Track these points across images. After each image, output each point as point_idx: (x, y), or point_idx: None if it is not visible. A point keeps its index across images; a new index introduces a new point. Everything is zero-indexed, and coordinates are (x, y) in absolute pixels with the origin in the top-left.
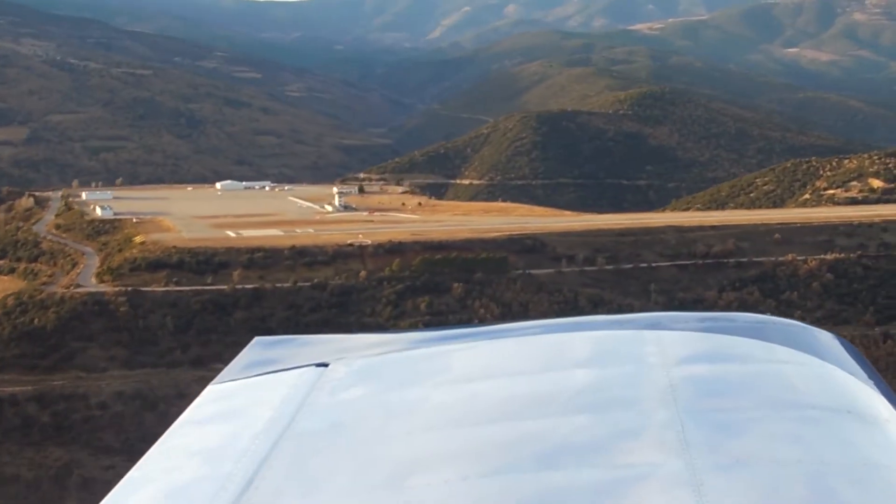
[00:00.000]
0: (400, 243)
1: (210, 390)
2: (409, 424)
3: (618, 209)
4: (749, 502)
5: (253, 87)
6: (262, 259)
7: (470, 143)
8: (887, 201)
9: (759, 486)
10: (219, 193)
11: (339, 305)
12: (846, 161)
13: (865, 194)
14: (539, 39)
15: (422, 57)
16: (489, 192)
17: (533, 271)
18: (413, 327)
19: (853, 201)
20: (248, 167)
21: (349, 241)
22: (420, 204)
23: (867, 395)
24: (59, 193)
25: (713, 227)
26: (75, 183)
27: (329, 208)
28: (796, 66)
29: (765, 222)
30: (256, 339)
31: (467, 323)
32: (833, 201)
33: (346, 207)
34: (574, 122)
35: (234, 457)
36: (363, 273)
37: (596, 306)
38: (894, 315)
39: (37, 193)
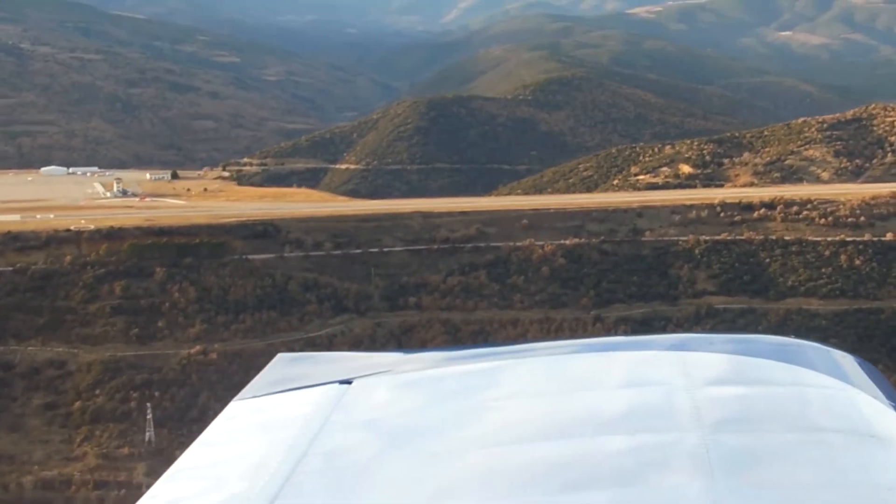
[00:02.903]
0: (120, 229)
1: (234, 406)
2: (432, 444)
3: (473, 193)
4: None
5: (224, 71)
6: None
7: (357, 128)
8: (685, 186)
9: None
10: (29, 179)
11: (36, 289)
12: (667, 147)
13: (669, 179)
14: (528, 23)
15: (423, 40)
16: (362, 177)
17: (255, 256)
18: (437, 347)
19: (652, 186)
20: (175, 151)
21: (69, 227)
22: (205, 189)
23: (889, 418)
24: None
25: (462, 213)
26: None
27: (108, 194)
28: (786, 50)
29: (518, 208)
30: (280, 355)
31: (492, 342)
32: (634, 186)
33: (124, 193)
34: (466, 108)
35: (260, 473)
36: (68, 258)
37: (307, 290)
38: (614, 299)
39: None
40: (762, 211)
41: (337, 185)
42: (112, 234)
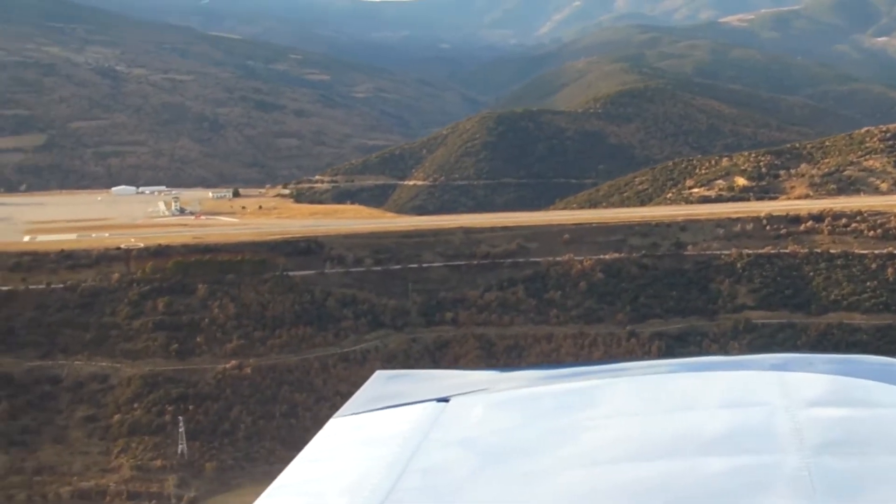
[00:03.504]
0: (167, 246)
1: (333, 423)
2: (529, 464)
3: (537, 208)
4: None
5: (313, 89)
6: (28, 262)
7: (427, 144)
8: (738, 199)
9: None
10: (98, 199)
11: (85, 306)
12: (724, 159)
13: (722, 192)
14: (616, 35)
15: (515, 54)
16: (429, 193)
17: (296, 272)
18: (534, 364)
19: (705, 199)
20: (258, 169)
21: (119, 245)
22: (260, 207)
23: None
24: None
25: (504, 228)
26: None
27: (167, 212)
28: (882, 56)
29: (560, 223)
30: (378, 372)
31: (588, 361)
32: (686, 200)
33: (182, 211)
34: (534, 122)
35: (360, 490)
36: (116, 275)
37: (344, 306)
38: (650, 314)
39: None
40: (809, 224)
41: (404, 202)
42: (159, 252)
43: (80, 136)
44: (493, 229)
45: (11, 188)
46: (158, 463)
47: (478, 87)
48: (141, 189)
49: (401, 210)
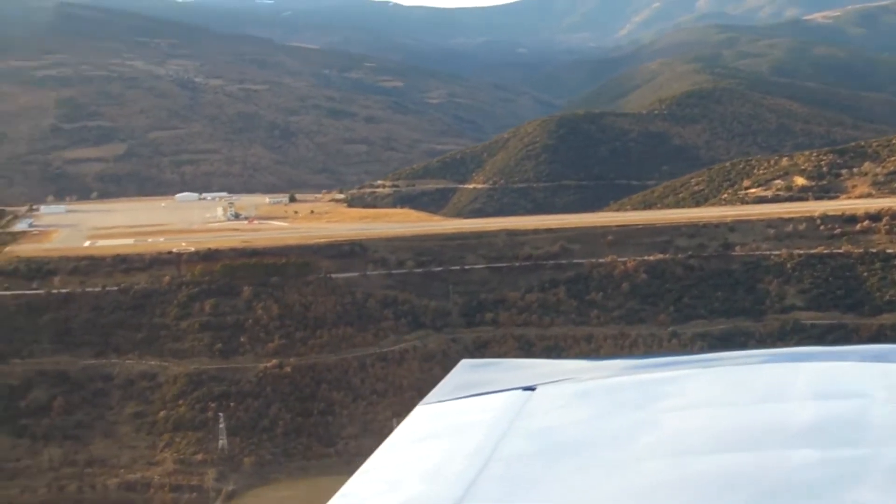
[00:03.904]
0: (216, 250)
1: (420, 411)
2: (614, 452)
3: (597, 209)
4: None
5: (386, 96)
6: (85, 266)
7: (488, 148)
8: (796, 199)
9: None
10: (162, 205)
11: (136, 307)
12: (784, 159)
13: (780, 192)
14: (693, 36)
15: (592, 56)
16: (489, 196)
17: (339, 274)
18: (621, 354)
19: (761, 200)
20: (327, 175)
21: (171, 250)
22: (312, 212)
23: None
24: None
25: (548, 230)
26: (49, 197)
27: (223, 217)
28: None
29: (605, 224)
30: (463, 361)
31: (677, 351)
32: (742, 200)
33: (237, 216)
34: (596, 125)
35: (445, 477)
36: (167, 278)
37: (385, 307)
38: (694, 315)
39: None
40: (865, 223)
41: (464, 205)
42: (209, 256)
43: (158, 145)
44: (536, 231)
45: (86, 196)
46: (200, 457)
47: (553, 90)
48: (203, 195)
49: (459, 213)
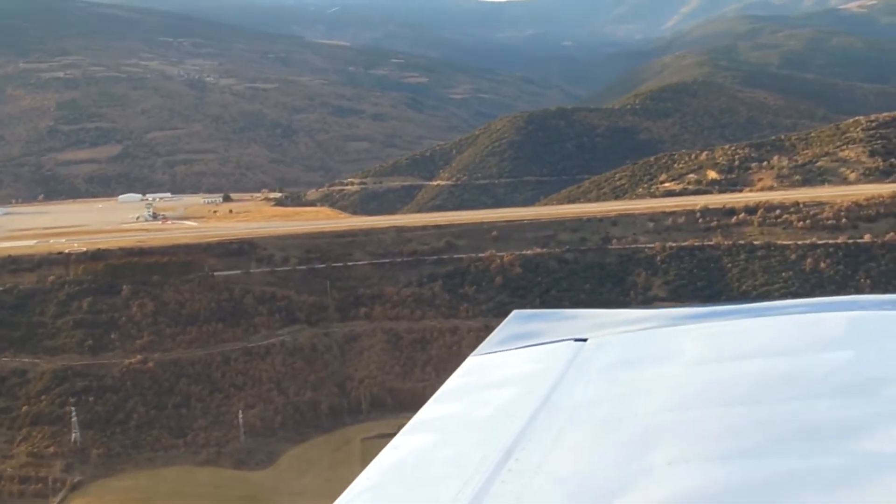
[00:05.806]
0: (105, 250)
1: (471, 361)
2: (662, 401)
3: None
4: None
5: (406, 92)
6: None
7: (457, 145)
8: (703, 192)
9: None
10: (99, 206)
11: (17, 307)
12: (704, 153)
13: (689, 186)
14: (720, 27)
15: (631, 49)
16: (450, 193)
17: (223, 272)
18: (677, 305)
19: (669, 193)
20: (322, 173)
21: (62, 250)
22: (231, 211)
23: None
24: None
25: (436, 227)
26: (41, 197)
27: (140, 218)
28: None
29: (491, 220)
30: (515, 312)
31: (725, 300)
32: (652, 194)
33: (155, 217)
34: (566, 120)
35: (497, 426)
36: (51, 278)
37: (261, 303)
38: (558, 306)
39: None
40: (742, 216)
41: (426, 201)
42: (97, 256)
43: (154, 145)
44: (424, 228)
45: (77, 197)
46: (52, 450)
47: (587, 84)
48: (145, 196)
49: (420, 210)
